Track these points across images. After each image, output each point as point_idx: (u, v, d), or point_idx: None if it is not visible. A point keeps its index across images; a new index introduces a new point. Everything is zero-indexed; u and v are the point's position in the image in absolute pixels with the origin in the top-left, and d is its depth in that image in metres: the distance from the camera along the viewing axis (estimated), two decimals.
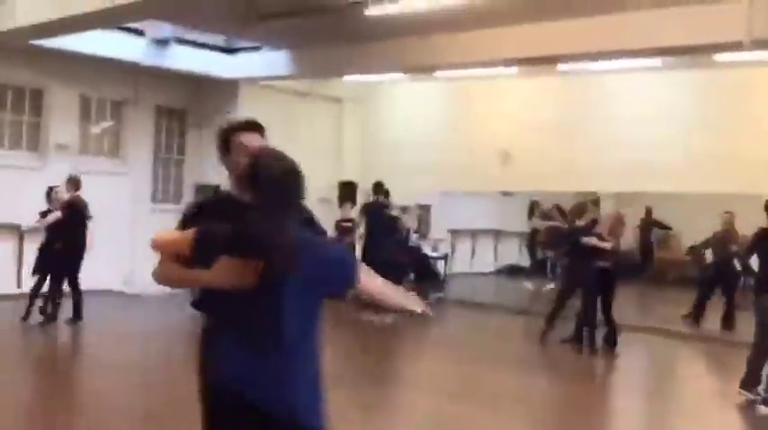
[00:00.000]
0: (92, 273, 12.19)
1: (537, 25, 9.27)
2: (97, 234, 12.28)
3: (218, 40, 12.81)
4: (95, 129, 13.05)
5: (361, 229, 12.49)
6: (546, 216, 15.01)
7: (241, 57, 12.91)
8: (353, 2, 9.03)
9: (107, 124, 13.13)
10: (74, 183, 10.05)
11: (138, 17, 10.10)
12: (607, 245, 9.07)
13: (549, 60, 10.66)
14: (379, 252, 11.37)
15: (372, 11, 8.86)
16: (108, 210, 12.59)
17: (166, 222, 13.10)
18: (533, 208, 15.92)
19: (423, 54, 10.70)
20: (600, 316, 9.26)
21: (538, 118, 12.84)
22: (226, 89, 13.45)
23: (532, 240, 15.95)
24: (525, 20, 9.26)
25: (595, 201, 11.44)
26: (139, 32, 11.79)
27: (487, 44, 10.02)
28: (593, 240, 9.04)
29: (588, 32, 9.08)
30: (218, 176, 12.69)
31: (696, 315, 11.23)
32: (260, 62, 12.64)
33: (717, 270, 11.09)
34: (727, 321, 10.91)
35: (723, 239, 10.88)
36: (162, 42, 11.97)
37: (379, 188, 12.39)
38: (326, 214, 14.40)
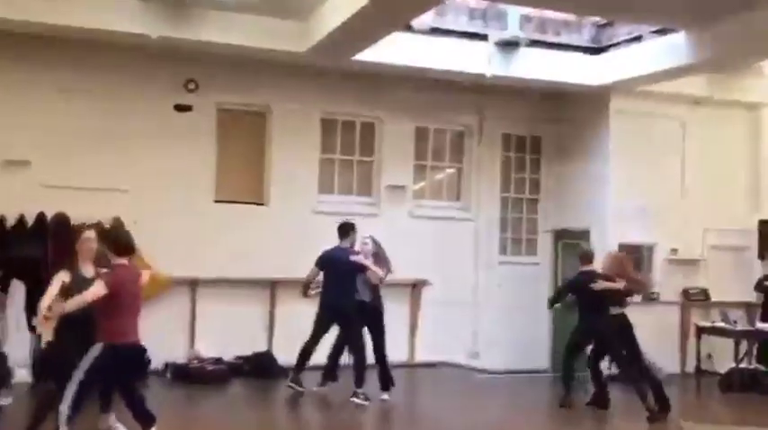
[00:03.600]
0: (431, 341, 9.88)
1: None
2: (435, 295, 9.98)
3: (577, 37, 9.77)
4: (439, 175, 10.79)
5: None
6: None
7: (613, 55, 9.63)
8: None
9: (450, 170, 10.82)
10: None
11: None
12: None
13: None
14: None
15: None
16: (450, 266, 10.19)
17: (518, 279, 10.19)
18: None
19: None
20: None
21: None
22: (591, 103, 10.29)
23: None
24: None
25: None
26: (481, 36, 9.26)
27: None
28: None
29: None
30: (583, 220, 9.50)
31: None
32: (645, 56, 9.19)
33: None
34: None
35: None
36: (510, 46, 9.27)
37: None
38: (738, 269, 10.30)
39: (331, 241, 9.60)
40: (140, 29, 7.86)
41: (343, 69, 9.19)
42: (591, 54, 9.82)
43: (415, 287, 10.08)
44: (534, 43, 9.50)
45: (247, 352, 9.24)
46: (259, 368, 9.03)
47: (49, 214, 8.54)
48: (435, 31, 9.11)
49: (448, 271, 10.12)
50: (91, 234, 5.94)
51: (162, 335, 8.88)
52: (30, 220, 8.50)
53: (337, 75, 9.40)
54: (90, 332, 5.27)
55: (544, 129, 11.02)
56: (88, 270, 5.69)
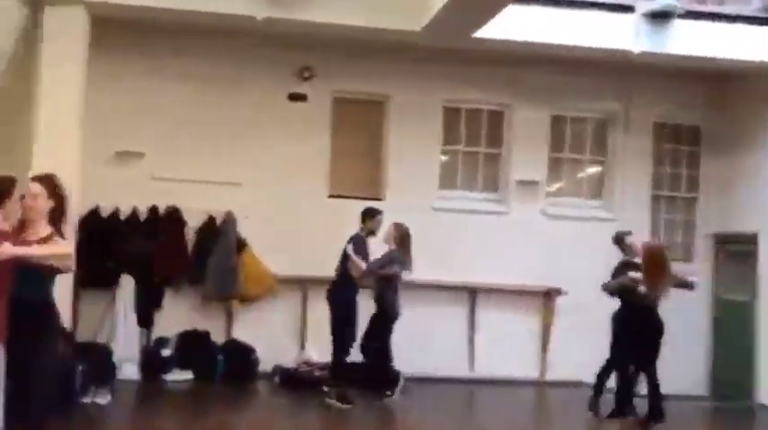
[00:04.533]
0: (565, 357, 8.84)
1: None
2: (569, 305, 8.87)
3: (744, 6, 8.31)
4: (577, 170, 9.65)
5: None
6: None
7: None
8: None
9: (591, 163, 9.64)
10: None
11: None
12: None
13: None
14: None
15: None
16: (587, 273, 9.02)
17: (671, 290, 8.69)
18: None
19: None
20: None
21: None
22: (761, 85, 8.76)
23: None
24: None
25: None
26: (627, 7, 8.05)
27: None
28: None
29: None
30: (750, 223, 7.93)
31: None
32: None
33: None
34: None
35: None
36: (661, 17, 7.99)
37: None
38: None
39: (452, 239, 8.83)
40: (245, 10, 7.41)
41: (466, 51, 8.32)
42: (760, 25, 8.31)
43: (548, 296, 8.98)
44: (691, 14, 8.17)
45: (359, 357, 8.57)
46: (371, 375, 8.32)
47: (161, 207, 8.35)
48: (573, 2, 8.03)
49: (585, 278, 8.91)
50: None
51: (271, 338, 8.48)
52: (142, 213, 8.34)
53: (460, 58, 8.54)
54: None
55: (704, 117, 9.54)
56: None
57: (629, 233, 7.40)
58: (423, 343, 8.53)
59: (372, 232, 7.42)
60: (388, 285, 7.50)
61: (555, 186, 9.54)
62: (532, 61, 8.70)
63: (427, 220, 8.83)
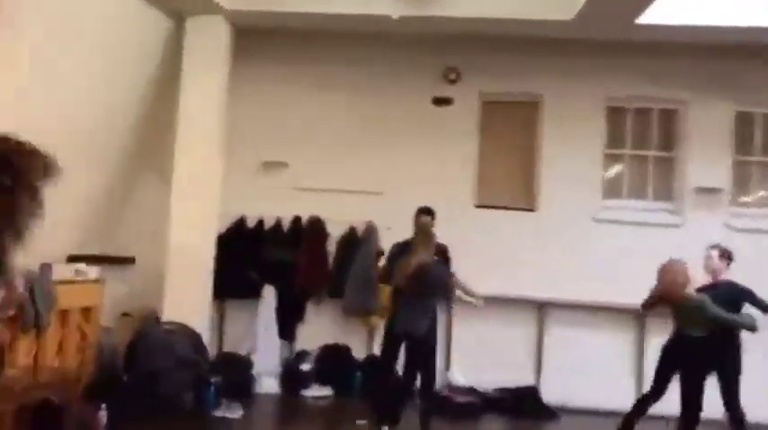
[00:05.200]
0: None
1: None
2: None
3: None
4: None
5: None
6: None
7: None
8: None
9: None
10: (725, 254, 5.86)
11: None
12: None
13: None
14: None
15: None
16: None
17: None
18: None
19: None
20: None
21: None
22: None
23: None
24: None
25: None
26: None
27: None
28: None
29: None
30: None
31: None
32: None
33: None
34: None
35: None
36: None
37: None
38: None
39: (617, 255, 7.86)
40: (380, 9, 7.02)
41: (629, 41, 7.35)
42: None
43: None
44: None
45: (509, 383, 7.83)
46: (520, 405, 7.54)
47: (305, 217, 8.17)
48: None
49: None
50: None
51: None
52: (285, 223, 8.21)
53: (622, 49, 7.59)
54: None
55: None
56: None
57: None
58: (586, 372, 7.65)
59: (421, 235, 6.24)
60: None
61: (742, 194, 8.21)
62: (712, 49, 7.54)
63: (588, 233, 7.95)
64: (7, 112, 5.30)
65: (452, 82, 8.17)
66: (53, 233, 6.87)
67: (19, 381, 5.16)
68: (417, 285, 5.79)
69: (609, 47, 7.57)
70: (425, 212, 6.41)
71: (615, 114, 8.21)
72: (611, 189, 8.22)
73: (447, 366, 8.02)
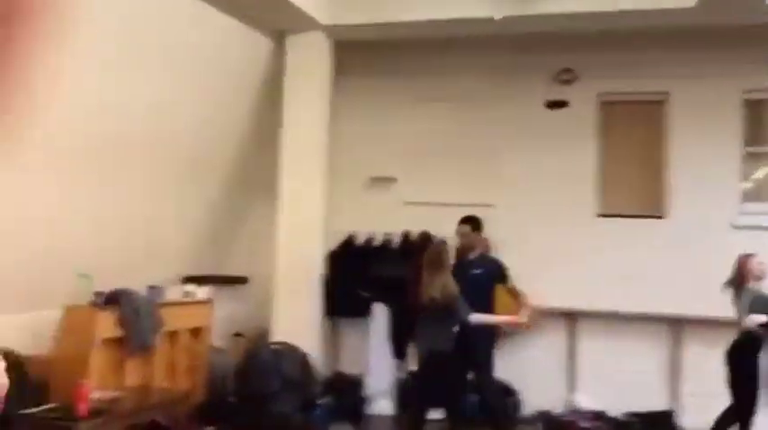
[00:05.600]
0: None
1: None
2: None
3: None
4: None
5: None
6: None
7: None
8: None
9: None
10: None
11: None
12: None
13: None
14: None
15: None
16: None
17: None
18: None
19: None
20: None
21: None
22: None
23: None
24: None
25: None
26: None
27: None
28: None
29: None
30: None
31: None
32: None
33: None
34: None
35: None
36: None
37: None
38: None
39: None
40: (480, 11, 6.67)
41: (764, 23, 6.54)
42: None
43: None
44: None
45: (642, 408, 7.15)
46: None
47: (414, 233, 7.92)
48: None
49: None
50: None
51: (537, 378, 7.49)
52: (395, 239, 8.00)
53: (757, 33, 6.77)
54: None
55: None
56: None
57: None
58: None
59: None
60: None
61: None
62: None
63: (726, 242, 7.14)
64: (119, 140, 5.45)
65: (567, 82, 7.66)
66: (173, 254, 7.07)
67: (128, 403, 5.25)
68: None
69: (741, 32, 6.79)
70: (463, 221, 6.11)
71: (754, 108, 7.36)
72: (753, 191, 7.36)
73: (571, 389, 7.47)
